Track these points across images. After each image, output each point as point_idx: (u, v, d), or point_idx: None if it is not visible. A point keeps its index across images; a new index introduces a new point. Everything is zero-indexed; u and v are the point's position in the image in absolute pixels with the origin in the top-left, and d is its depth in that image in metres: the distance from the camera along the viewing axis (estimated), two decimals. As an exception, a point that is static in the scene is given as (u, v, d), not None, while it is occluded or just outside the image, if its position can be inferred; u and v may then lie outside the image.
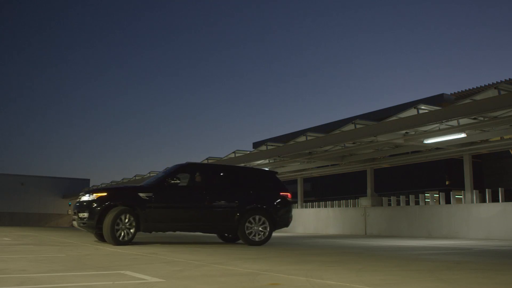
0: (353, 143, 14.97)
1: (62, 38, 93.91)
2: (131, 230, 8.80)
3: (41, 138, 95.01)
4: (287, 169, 20.77)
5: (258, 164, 19.58)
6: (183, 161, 10.70)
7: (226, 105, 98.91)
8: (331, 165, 19.68)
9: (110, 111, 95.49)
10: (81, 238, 11.87)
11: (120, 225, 8.67)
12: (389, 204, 18.28)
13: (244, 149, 20.98)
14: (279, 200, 10.16)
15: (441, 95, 27.66)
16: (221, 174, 10.39)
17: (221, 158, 20.79)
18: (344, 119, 31.37)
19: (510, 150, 21.13)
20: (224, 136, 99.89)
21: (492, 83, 25.74)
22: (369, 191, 17.68)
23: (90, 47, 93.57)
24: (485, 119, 11.78)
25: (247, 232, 9.53)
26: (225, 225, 9.64)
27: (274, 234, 16.19)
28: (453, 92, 29.24)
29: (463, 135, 12.82)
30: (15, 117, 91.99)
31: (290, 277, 4.24)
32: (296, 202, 22.64)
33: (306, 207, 21.72)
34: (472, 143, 14.32)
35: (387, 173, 28.62)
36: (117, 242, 8.59)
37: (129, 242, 8.77)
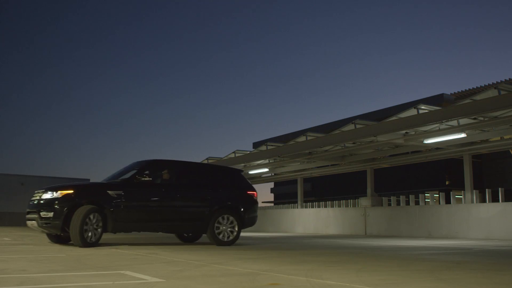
0: (353, 143, 14.97)
1: (62, 38, 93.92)
2: (98, 230, 8.22)
3: (41, 138, 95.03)
4: (287, 169, 20.77)
5: (258, 164, 19.58)
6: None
7: (226, 105, 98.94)
8: (331, 165, 19.67)
9: (110, 111, 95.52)
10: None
11: (88, 226, 8.07)
12: (389, 204, 18.28)
13: (244, 149, 21.00)
14: (247, 199, 9.92)
15: (441, 95, 27.68)
16: (189, 171, 9.94)
17: (221, 158, 20.80)
18: (344, 119, 31.41)
19: (510, 150, 21.12)
20: (224, 136, 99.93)
21: (492, 83, 25.75)
22: (369, 191, 17.68)
23: (90, 47, 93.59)
24: (485, 119, 11.77)
25: (216, 232, 9.23)
26: (195, 224, 9.29)
27: (275, 234, 16.11)
28: (453, 92, 29.25)
29: (463, 135, 12.81)
30: (15, 117, 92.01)
31: (290, 277, 4.24)
32: (296, 202, 22.64)
33: (306, 207, 21.71)
34: (472, 143, 14.32)
35: (387, 173, 28.64)
36: (85, 243, 7.97)
37: (96, 243, 8.20)
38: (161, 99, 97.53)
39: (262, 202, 48.78)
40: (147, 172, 8.98)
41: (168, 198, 9.07)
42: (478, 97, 11.50)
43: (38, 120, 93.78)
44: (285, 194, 43.62)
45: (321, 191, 38.85)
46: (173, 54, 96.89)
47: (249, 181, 10.79)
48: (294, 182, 27.44)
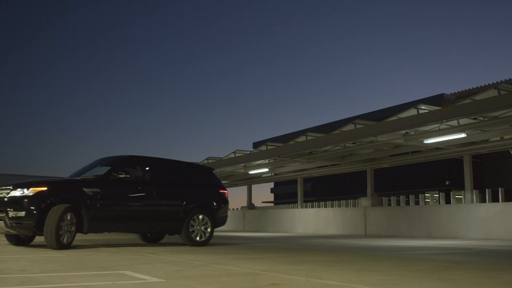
0: (353, 143, 14.96)
1: (63, 39, 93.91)
2: (72, 231, 7.63)
3: (41, 138, 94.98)
4: (287, 169, 20.76)
5: (258, 164, 19.58)
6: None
7: (226, 105, 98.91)
8: (331, 165, 19.66)
9: (109, 111, 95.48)
10: (80, 238, 11.86)
11: (63, 226, 7.45)
12: (389, 204, 18.27)
13: (244, 149, 20.99)
14: (219, 198, 9.66)
15: (441, 95, 27.68)
16: (163, 168, 9.43)
17: (221, 158, 20.79)
18: (344, 119, 31.41)
19: (510, 150, 21.12)
20: (224, 136, 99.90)
21: (492, 83, 25.77)
22: (369, 191, 17.67)
23: (91, 47, 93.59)
24: (485, 119, 11.77)
25: (190, 231, 8.95)
26: (171, 224, 8.93)
27: (275, 234, 16.12)
28: (453, 92, 29.28)
29: (463, 135, 12.81)
30: (15, 117, 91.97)
31: (290, 277, 4.24)
32: (296, 202, 22.64)
33: (306, 207, 21.70)
34: (472, 143, 14.32)
35: (387, 173, 28.63)
36: (61, 245, 7.35)
37: (70, 245, 7.63)
38: (161, 99, 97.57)
39: (262, 202, 48.81)
40: (122, 168, 8.42)
41: (145, 197, 8.61)
42: (478, 97, 11.49)
43: (38, 120, 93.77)
44: (285, 194, 43.63)
45: (321, 191, 38.85)
46: (173, 54, 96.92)
47: (220, 179, 10.54)
48: (294, 182, 27.41)
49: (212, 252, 7.29)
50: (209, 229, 9.26)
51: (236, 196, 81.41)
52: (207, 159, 21.50)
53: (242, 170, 20.98)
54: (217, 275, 4.34)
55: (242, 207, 24.99)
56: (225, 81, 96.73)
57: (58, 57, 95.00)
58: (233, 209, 26.47)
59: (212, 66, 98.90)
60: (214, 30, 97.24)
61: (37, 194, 7.50)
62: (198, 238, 9.04)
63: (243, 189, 25.57)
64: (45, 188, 7.61)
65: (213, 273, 4.49)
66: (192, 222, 9.02)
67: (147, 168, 9.06)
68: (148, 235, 10.00)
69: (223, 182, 25.44)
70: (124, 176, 8.28)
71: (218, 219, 9.54)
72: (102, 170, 8.64)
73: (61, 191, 7.84)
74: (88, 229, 7.93)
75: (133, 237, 12.12)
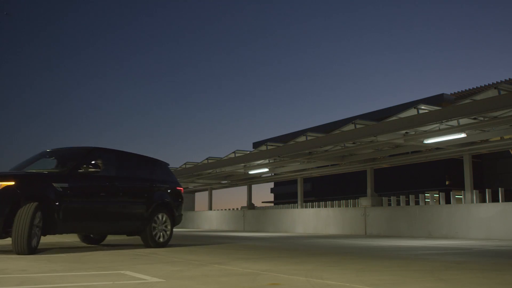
0: (353, 143, 14.97)
1: (63, 40, 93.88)
2: (38, 231, 6.65)
3: (41, 138, 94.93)
4: (287, 169, 20.77)
5: (258, 164, 19.59)
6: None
7: (226, 105, 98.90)
8: (331, 165, 19.67)
9: (109, 112, 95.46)
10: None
11: (32, 227, 6.41)
12: (389, 204, 18.28)
13: (244, 149, 21.01)
14: (177, 195, 9.12)
15: (441, 95, 27.69)
16: (128, 162, 8.62)
17: (221, 158, 20.80)
18: (344, 119, 31.43)
19: (510, 150, 21.12)
20: (224, 136, 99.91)
21: (492, 83, 25.77)
22: (369, 191, 17.67)
23: (91, 47, 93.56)
24: (485, 119, 11.77)
25: (153, 231, 8.38)
26: (135, 224, 8.22)
27: (275, 234, 16.12)
28: (453, 92, 29.28)
29: (463, 135, 12.81)
30: (15, 117, 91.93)
31: (290, 277, 4.24)
32: (296, 202, 22.64)
33: (306, 207, 21.70)
34: (472, 143, 14.33)
35: (387, 173, 28.63)
36: (31, 249, 6.38)
37: (37, 248, 6.70)
38: (161, 99, 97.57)
39: (262, 202, 48.82)
40: (90, 161, 7.47)
41: (114, 194, 7.84)
42: (478, 97, 11.49)
43: (38, 120, 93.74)
44: (285, 194, 43.63)
45: (321, 191, 38.85)
46: (173, 55, 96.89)
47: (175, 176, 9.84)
48: (294, 182, 27.43)
49: (212, 252, 7.29)
50: (169, 229, 8.74)
51: (236, 196, 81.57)
52: (207, 159, 21.51)
53: (242, 170, 20.99)
54: (217, 275, 4.34)
55: (242, 207, 25.00)
56: (225, 81, 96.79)
57: (58, 57, 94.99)
58: (233, 209, 26.48)
59: (213, 66, 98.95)
60: (214, 31, 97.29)
61: (5, 189, 6.35)
62: (160, 239, 8.51)
63: (243, 189, 25.60)
64: (13, 183, 6.44)
65: (213, 273, 4.49)
66: (154, 221, 8.46)
67: (113, 162, 8.18)
68: (91, 235, 9.13)
69: (223, 182, 25.53)
70: (94, 170, 7.35)
71: (176, 218, 8.99)
72: (50, 164, 7.76)
73: (31, 186, 6.72)
74: (60, 230, 6.99)
75: (134, 237, 11.90)
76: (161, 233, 8.58)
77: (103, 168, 7.77)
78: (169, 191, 8.96)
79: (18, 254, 6.30)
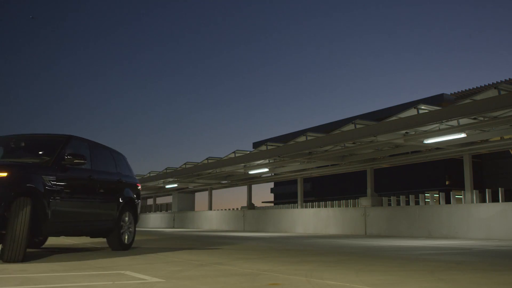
0: (353, 143, 14.96)
1: (63, 40, 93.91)
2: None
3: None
4: (287, 169, 20.77)
5: (258, 164, 19.59)
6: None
7: (226, 105, 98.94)
8: (331, 165, 19.67)
9: (110, 111, 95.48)
10: (79, 238, 11.87)
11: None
12: (389, 204, 18.27)
13: (244, 149, 21.01)
14: (138, 193, 8.32)
15: (441, 95, 27.69)
16: (102, 155, 7.60)
17: (221, 158, 20.79)
18: (344, 119, 31.43)
19: (510, 150, 21.11)
20: (224, 136, 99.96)
21: (492, 83, 25.76)
22: (369, 191, 17.67)
23: (91, 47, 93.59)
24: (485, 119, 11.77)
25: (121, 232, 7.59)
26: (107, 225, 7.31)
27: (275, 234, 16.11)
28: (453, 92, 29.28)
29: (463, 135, 12.81)
30: (16, 116, 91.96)
31: (290, 277, 4.24)
32: (296, 202, 22.64)
33: (306, 207, 21.70)
34: (472, 143, 14.33)
35: (387, 173, 28.63)
36: (24, 256, 5.40)
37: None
38: (161, 99, 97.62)
39: (262, 202, 48.81)
40: (72, 151, 6.45)
41: (95, 190, 7.00)
42: (478, 97, 11.49)
43: (38, 119, 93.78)
44: (285, 194, 43.63)
45: (321, 191, 38.86)
46: (173, 55, 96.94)
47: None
48: (294, 182, 27.43)
49: (212, 252, 7.29)
50: (133, 229, 7.97)
51: (236, 196, 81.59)
52: (207, 159, 21.51)
53: (242, 170, 20.99)
54: (217, 275, 4.34)
55: (242, 207, 25.01)
56: (225, 81, 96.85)
57: (58, 57, 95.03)
58: (233, 209, 26.48)
59: (213, 66, 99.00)
60: (214, 31, 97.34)
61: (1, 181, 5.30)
62: (126, 241, 7.70)
63: (243, 189, 25.60)
64: (6, 174, 5.35)
65: (213, 273, 4.49)
66: (123, 221, 7.68)
67: (87, 153, 7.00)
68: (36, 239, 7.20)
69: (223, 182, 25.54)
70: (79, 161, 6.29)
71: (137, 217, 8.22)
72: (48, 153, 6.44)
73: (24, 178, 5.57)
74: (49, 231, 6.03)
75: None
76: (127, 234, 7.78)
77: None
78: (132, 187, 8.12)
79: (10, 262, 5.20)
